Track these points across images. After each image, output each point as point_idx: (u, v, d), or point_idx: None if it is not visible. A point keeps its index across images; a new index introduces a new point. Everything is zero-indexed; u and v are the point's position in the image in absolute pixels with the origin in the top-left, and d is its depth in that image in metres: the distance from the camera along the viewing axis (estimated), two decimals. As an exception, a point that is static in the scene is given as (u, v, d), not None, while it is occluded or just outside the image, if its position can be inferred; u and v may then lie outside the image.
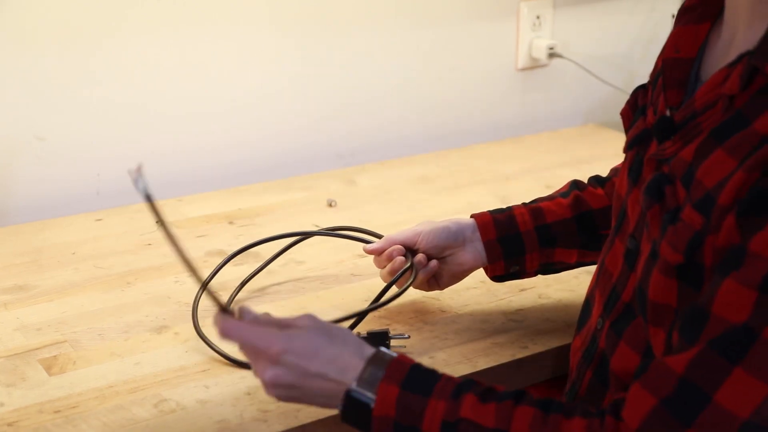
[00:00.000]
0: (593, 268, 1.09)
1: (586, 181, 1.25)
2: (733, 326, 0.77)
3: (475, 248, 1.21)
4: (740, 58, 0.84)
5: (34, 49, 1.51)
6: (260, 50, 1.70)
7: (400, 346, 1.16)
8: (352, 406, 0.90)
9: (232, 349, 1.13)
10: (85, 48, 1.55)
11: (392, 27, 1.81)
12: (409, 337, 1.17)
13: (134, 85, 1.61)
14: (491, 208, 1.24)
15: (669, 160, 0.89)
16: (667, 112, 0.92)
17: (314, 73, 1.75)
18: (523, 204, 1.24)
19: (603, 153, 1.80)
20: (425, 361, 1.14)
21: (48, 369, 1.12)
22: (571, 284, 1.32)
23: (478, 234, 1.21)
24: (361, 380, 0.90)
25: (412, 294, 1.28)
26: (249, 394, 1.07)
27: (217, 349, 1.14)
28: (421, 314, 1.24)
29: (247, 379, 1.09)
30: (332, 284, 1.32)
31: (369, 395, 0.89)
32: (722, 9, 0.93)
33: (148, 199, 0.86)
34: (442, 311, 1.25)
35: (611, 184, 1.22)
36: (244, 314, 0.94)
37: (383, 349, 0.93)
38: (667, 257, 0.86)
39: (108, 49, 1.57)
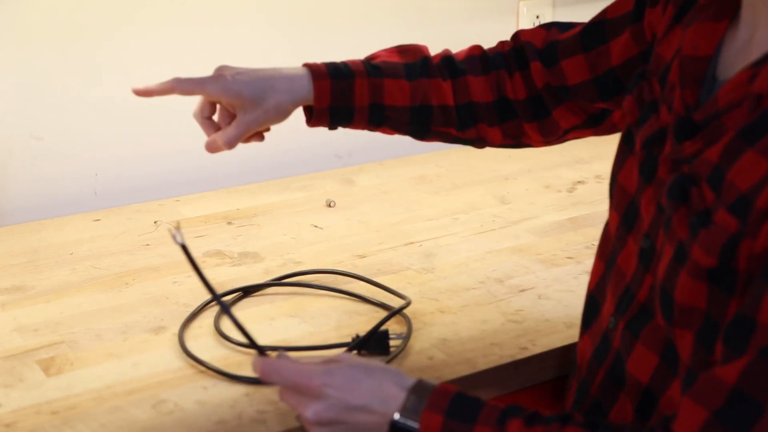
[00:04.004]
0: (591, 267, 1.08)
1: (436, 55, 1.20)
2: None
3: (291, 99, 1.14)
4: (767, 56, 0.83)
5: (31, 48, 1.51)
6: (259, 50, 1.70)
7: (398, 347, 1.15)
8: (401, 426, 0.89)
9: (227, 363, 1.13)
10: (83, 47, 1.55)
11: (392, 27, 1.80)
12: (408, 337, 1.17)
13: (132, 84, 1.60)
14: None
15: (690, 160, 0.88)
16: (686, 111, 0.91)
17: (313, 72, 1.75)
18: (366, 68, 1.17)
19: (603, 153, 1.79)
20: (424, 362, 1.13)
21: (45, 370, 1.12)
22: (571, 284, 1.32)
23: (301, 85, 1.14)
24: (405, 410, 0.89)
25: (412, 294, 1.27)
26: (247, 395, 1.06)
27: (211, 366, 1.12)
28: (420, 315, 1.23)
29: (246, 381, 1.09)
30: (331, 284, 1.32)
31: (413, 425, 0.88)
32: (739, 7, 0.92)
33: (187, 254, 0.89)
34: (441, 312, 1.25)
35: (465, 81, 1.17)
36: (281, 357, 0.94)
37: (424, 379, 0.92)
38: (699, 260, 0.84)
39: (106, 49, 1.56)
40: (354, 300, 1.28)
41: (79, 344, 1.17)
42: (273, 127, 1.74)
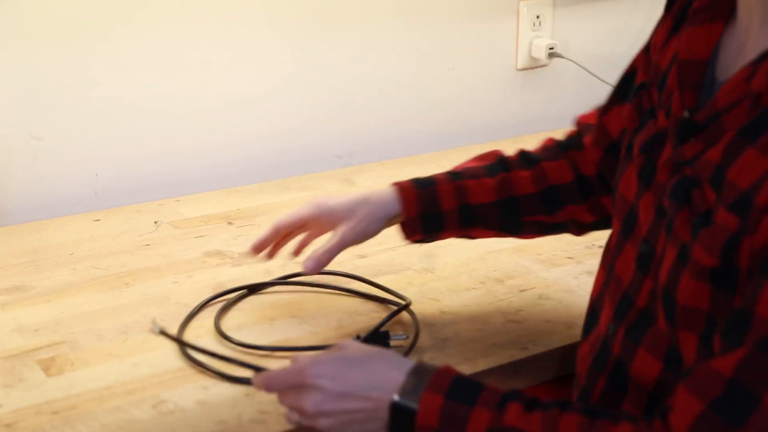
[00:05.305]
0: (595, 270, 1.08)
1: (513, 154, 1.23)
2: None
3: (382, 210, 1.19)
4: (764, 55, 0.83)
5: (31, 48, 1.51)
6: (259, 50, 1.70)
7: (400, 347, 1.15)
8: (396, 417, 0.89)
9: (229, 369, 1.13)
10: (83, 47, 1.55)
11: (391, 27, 1.80)
12: (408, 337, 1.17)
13: (132, 85, 1.61)
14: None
15: (691, 163, 0.88)
16: (686, 114, 0.91)
17: (313, 73, 1.75)
18: (449, 175, 1.21)
19: (603, 153, 1.79)
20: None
21: (46, 370, 1.12)
22: (571, 285, 1.32)
23: (390, 198, 1.19)
24: (404, 391, 0.89)
25: (412, 294, 1.27)
26: (248, 395, 1.06)
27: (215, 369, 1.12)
28: (420, 315, 1.23)
29: (246, 381, 1.09)
30: (331, 284, 1.32)
31: (413, 405, 0.89)
32: (734, 9, 0.92)
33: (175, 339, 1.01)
34: (442, 312, 1.25)
35: (541, 168, 1.20)
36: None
37: (424, 361, 0.93)
38: (701, 261, 0.84)
39: (106, 49, 1.56)
40: (355, 300, 1.28)
41: (79, 344, 1.17)
42: (273, 128, 1.75)
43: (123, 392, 1.07)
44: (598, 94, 2.04)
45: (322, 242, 1.19)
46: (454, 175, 1.21)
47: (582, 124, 1.23)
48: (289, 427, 1.01)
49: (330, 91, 1.78)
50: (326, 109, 1.79)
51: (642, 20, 2.04)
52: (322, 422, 0.92)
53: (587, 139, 1.20)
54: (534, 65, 1.97)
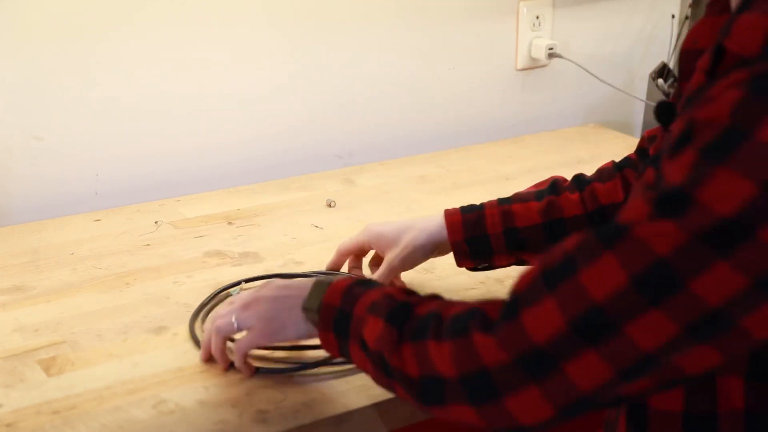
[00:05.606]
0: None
1: (569, 178, 1.25)
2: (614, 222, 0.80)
3: (427, 235, 1.25)
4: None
5: (31, 48, 1.51)
6: (259, 50, 1.70)
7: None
8: (314, 290, 1.00)
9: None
10: (84, 47, 1.55)
11: (391, 27, 1.80)
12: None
13: (133, 85, 1.61)
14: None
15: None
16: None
17: (313, 73, 1.75)
18: (497, 201, 1.25)
19: (603, 153, 1.79)
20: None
21: (46, 370, 1.12)
22: (572, 285, 1.31)
23: (435, 223, 1.24)
24: (320, 279, 1.02)
25: (412, 294, 1.27)
26: (248, 395, 1.06)
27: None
28: (420, 315, 1.23)
29: (247, 380, 1.09)
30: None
31: (328, 282, 1.00)
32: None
33: None
34: (442, 312, 1.25)
35: (592, 189, 1.22)
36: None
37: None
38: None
39: (107, 49, 1.56)
40: (354, 300, 1.28)
41: (79, 344, 1.18)
42: (273, 128, 1.75)
43: (123, 392, 1.08)
44: (598, 94, 2.05)
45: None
46: (502, 201, 1.24)
47: (646, 138, 1.23)
48: (289, 427, 1.01)
49: (330, 91, 1.78)
50: (326, 109, 1.79)
51: (642, 20, 2.04)
52: (241, 314, 1.06)
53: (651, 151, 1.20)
54: (534, 65, 1.97)
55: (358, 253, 1.31)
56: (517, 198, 1.24)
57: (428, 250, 1.25)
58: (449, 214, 1.24)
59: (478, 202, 1.27)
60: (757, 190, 0.72)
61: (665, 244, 0.75)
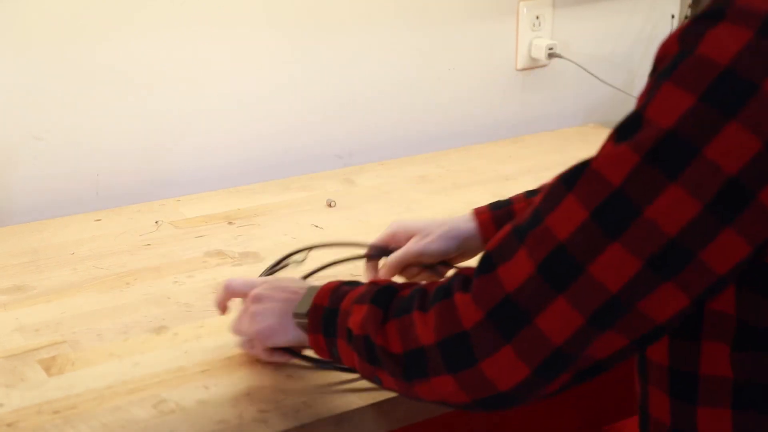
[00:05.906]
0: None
1: None
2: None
3: (456, 231, 1.24)
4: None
5: (32, 48, 1.51)
6: (259, 50, 1.70)
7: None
8: (308, 294, 1.02)
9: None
10: (83, 47, 1.55)
11: (391, 27, 1.80)
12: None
13: (133, 85, 1.61)
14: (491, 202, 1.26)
15: None
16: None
17: (313, 73, 1.75)
18: (525, 194, 1.25)
19: (603, 153, 1.80)
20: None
21: (47, 370, 1.12)
22: (572, 284, 1.31)
23: (465, 220, 1.24)
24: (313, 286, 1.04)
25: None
26: (248, 394, 1.07)
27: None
28: (421, 314, 1.23)
29: (247, 380, 1.09)
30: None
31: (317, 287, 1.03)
32: None
33: None
34: (442, 311, 1.25)
35: None
36: None
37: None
38: None
39: (107, 49, 1.57)
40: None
41: (80, 344, 1.18)
42: (273, 128, 1.75)
43: (124, 392, 1.08)
44: (598, 94, 2.05)
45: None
46: (529, 193, 1.25)
47: None
48: (289, 426, 1.02)
49: (330, 91, 1.78)
50: (326, 109, 1.79)
51: (642, 20, 2.04)
52: (254, 308, 1.06)
53: None
54: (534, 65, 1.97)
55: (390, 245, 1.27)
56: (544, 186, 1.23)
57: (456, 244, 1.23)
58: (479, 213, 1.24)
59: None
60: (695, 102, 0.74)
61: (618, 172, 0.77)
